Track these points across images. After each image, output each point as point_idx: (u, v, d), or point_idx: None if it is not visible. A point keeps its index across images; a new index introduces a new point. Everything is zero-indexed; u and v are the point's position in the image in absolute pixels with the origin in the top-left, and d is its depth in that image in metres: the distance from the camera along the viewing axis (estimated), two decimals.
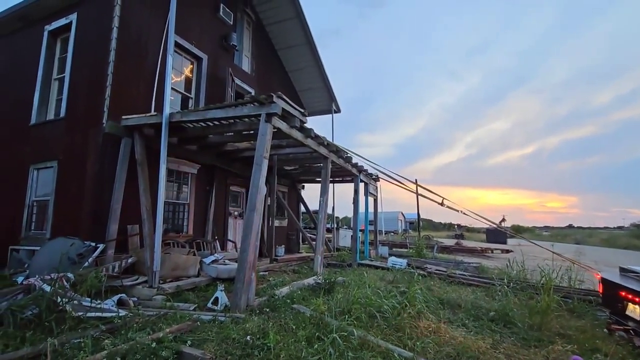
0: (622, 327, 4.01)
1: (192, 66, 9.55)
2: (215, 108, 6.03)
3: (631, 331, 3.86)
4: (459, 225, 53.35)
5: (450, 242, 22.58)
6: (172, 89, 8.50)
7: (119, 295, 4.83)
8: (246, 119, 6.10)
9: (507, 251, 17.39)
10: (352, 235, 12.22)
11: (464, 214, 8.88)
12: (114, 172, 6.88)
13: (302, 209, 15.14)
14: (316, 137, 7.32)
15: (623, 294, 4.04)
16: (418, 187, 11.17)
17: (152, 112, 7.31)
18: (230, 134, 7.31)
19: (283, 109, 5.56)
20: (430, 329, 4.11)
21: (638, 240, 25.87)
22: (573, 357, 2.66)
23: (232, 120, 6.33)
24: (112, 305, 4.49)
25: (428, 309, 4.79)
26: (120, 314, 4.04)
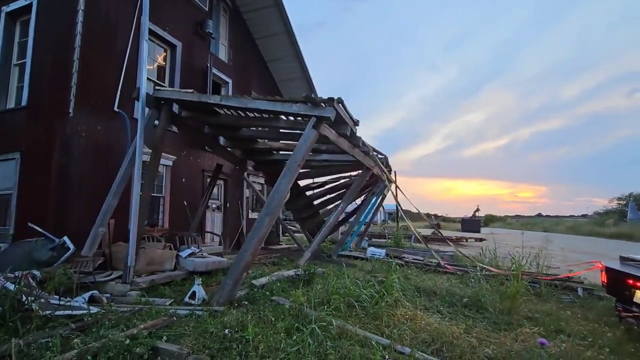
0: (631, 314, 4.13)
1: (165, 54, 9.18)
2: (259, 99, 5.54)
3: None
4: (435, 216, 54.76)
5: (428, 232, 23.18)
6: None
7: (91, 292, 4.66)
8: (291, 117, 5.57)
9: (481, 240, 18.04)
10: (345, 231, 12.19)
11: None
12: (82, 164, 6.57)
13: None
14: (363, 146, 6.74)
15: (631, 281, 4.15)
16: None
17: (117, 100, 7.01)
18: (265, 129, 6.78)
19: (336, 115, 5.00)
20: (407, 316, 4.22)
21: (600, 227, 27.49)
22: (539, 340, 2.80)
23: (272, 116, 5.76)
24: (83, 303, 4.32)
25: (405, 297, 4.91)
26: (91, 311, 3.90)
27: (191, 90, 6.25)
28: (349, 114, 5.54)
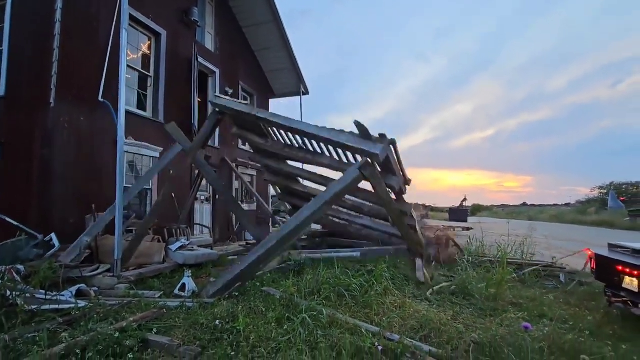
0: (620, 299, 4.22)
1: (149, 42, 8.94)
2: (305, 123, 5.18)
3: (629, 302, 4.09)
4: (424, 205, 55.49)
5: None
6: (129, 66, 7.94)
7: (78, 285, 4.59)
8: (336, 155, 5.25)
9: (468, 229, 18.39)
10: None
11: None
12: (65, 156, 6.40)
13: (273, 192, 15.02)
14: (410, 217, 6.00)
15: (620, 268, 4.23)
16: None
17: (102, 89, 6.82)
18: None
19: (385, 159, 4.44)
20: (396, 304, 4.29)
21: (582, 215, 28.30)
22: (523, 324, 2.89)
23: (317, 150, 5.39)
24: (71, 297, 4.27)
25: (394, 285, 4.99)
26: (79, 305, 3.85)
27: (247, 102, 6.12)
28: (401, 164, 4.95)
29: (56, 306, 3.75)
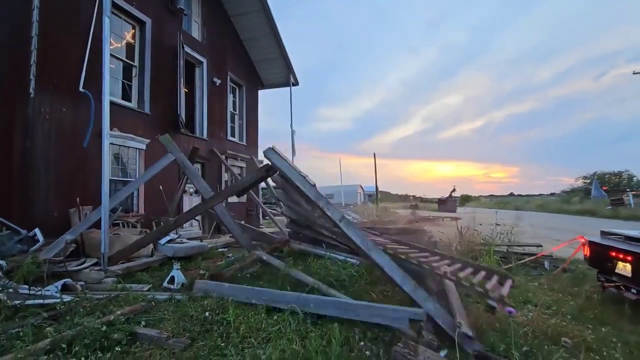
0: (613, 284, 4.34)
1: (134, 31, 8.68)
2: None
3: (621, 287, 4.21)
4: (414, 197, 56.19)
5: (406, 212, 23.76)
6: (112, 55, 7.72)
7: (64, 280, 4.51)
8: None
9: (456, 219, 18.67)
10: None
11: None
12: (47, 148, 6.23)
13: (262, 184, 14.93)
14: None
15: (613, 253, 4.33)
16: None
17: (82, 79, 6.63)
18: None
19: None
20: (385, 293, 4.34)
21: (566, 204, 29.02)
22: (507, 308, 2.96)
23: None
24: (56, 291, 4.19)
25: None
26: (65, 300, 3.78)
27: (304, 174, 5.29)
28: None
29: (41, 301, 3.68)
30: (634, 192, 29.84)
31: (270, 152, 4.83)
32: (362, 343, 2.97)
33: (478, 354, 2.70)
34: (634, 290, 3.98)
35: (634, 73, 23.28)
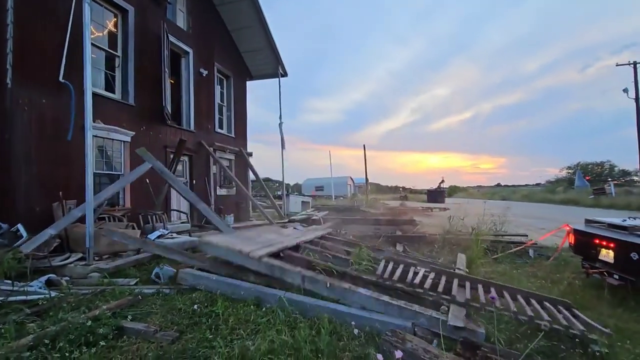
0: (597, 270, 4.46)
1: (116, 19, 8.40)
2: None
3: (605, 273, 4.33)
4: (403, 188, 56.71)
5: (396, 204, 23.98)
6: (94, 45, 7.47)
7: (48, 275, 4.42)
8: None
9: (445, 209, 18.95)
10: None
11: None
12: (27, 141, 6.04)
13: (252, 176, 14.85)
14: None
15: (597, 241, 4.46)
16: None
17: (62, 69, 6.43)
18: None
19: None
20: None
21: (551, 194, 29.72)
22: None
23: None
24: (40, 287, 4.10)
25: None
26: (50, 295, 3.71)
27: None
28: None
29: (24, 297, 3.60)
30: (615, 182, 30.74)
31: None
32: (356, 331, 2.99)
33: (464, 340, 2.76)
34: (616, 276, 4.11)
35: (617, 65, 23.78)
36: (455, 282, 3.91)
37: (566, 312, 3.33)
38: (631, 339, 3.13)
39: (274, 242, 4.90)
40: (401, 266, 4.39)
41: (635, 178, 36.85)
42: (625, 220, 4.77)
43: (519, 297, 3.61)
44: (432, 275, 4.12)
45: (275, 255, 4.53)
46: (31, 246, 5.05)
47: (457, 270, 4.61)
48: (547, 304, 3.48)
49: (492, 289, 3.75)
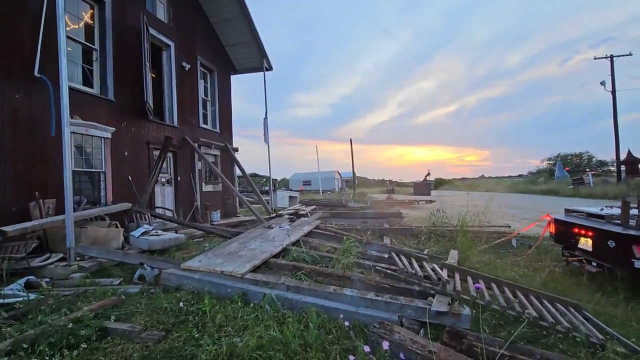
0: (576, 259, 4.58)
1: (92, 11, 8.09)
2: None
3: (584, 261, 4.45)
4: (390, 181, 57.22)
5: (383, 197, 24.18)
6: (70, 37, 7.18)
7: (27, 277, 4.27)
8: None
9: (431, 201, 19.21)
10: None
11: None
12: (2, 137, 5.79)
13: (239, 172, 14.68)
14: None
15: (576, 230, 4.57)
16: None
17: (37, 63, 6.17)
18: None
19: None
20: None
21: (533, 185, 30.50)
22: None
23: None
24: (19, 290, 3.96)
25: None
26: (28, 298, 3.58)
27: None
28: None
29: (1, 300, 3.47)
30: (593, 172, 31.77)
31: None
32: (347, 322, 3.00)
33: (450, 329, 2.81)
34: (594, 264, 4.25)
35: (595, 58, 24.43)
36: (445, 271, 3.98)
37: (578, 315, 3.33)
38: (609, 324, 3.25)
39: (257, 254, 4.90)
40: (389, 258, 4.43)
41: (612, 168, 38.17)
42: (602, 209, 4.93)
43: (531, 297, 3.63)
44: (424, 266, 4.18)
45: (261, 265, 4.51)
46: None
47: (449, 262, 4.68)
48: (559, 305, 3.49)
49: (505, 289, 3.71)
